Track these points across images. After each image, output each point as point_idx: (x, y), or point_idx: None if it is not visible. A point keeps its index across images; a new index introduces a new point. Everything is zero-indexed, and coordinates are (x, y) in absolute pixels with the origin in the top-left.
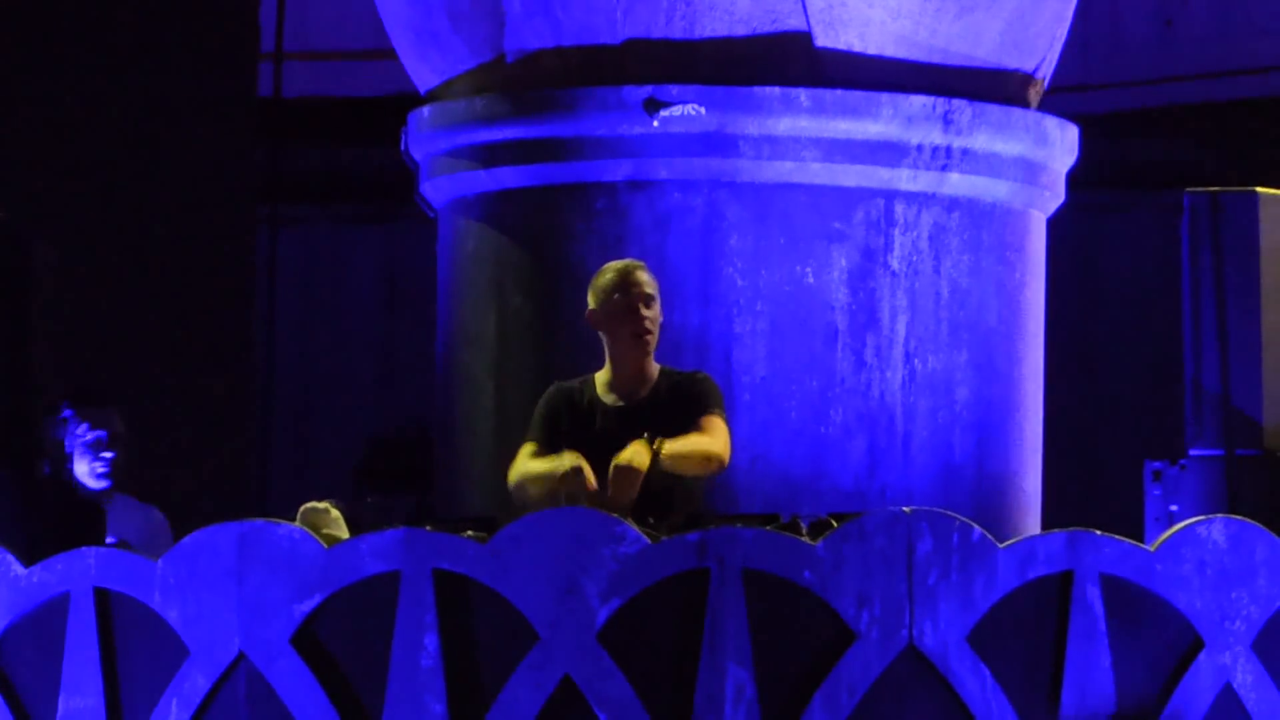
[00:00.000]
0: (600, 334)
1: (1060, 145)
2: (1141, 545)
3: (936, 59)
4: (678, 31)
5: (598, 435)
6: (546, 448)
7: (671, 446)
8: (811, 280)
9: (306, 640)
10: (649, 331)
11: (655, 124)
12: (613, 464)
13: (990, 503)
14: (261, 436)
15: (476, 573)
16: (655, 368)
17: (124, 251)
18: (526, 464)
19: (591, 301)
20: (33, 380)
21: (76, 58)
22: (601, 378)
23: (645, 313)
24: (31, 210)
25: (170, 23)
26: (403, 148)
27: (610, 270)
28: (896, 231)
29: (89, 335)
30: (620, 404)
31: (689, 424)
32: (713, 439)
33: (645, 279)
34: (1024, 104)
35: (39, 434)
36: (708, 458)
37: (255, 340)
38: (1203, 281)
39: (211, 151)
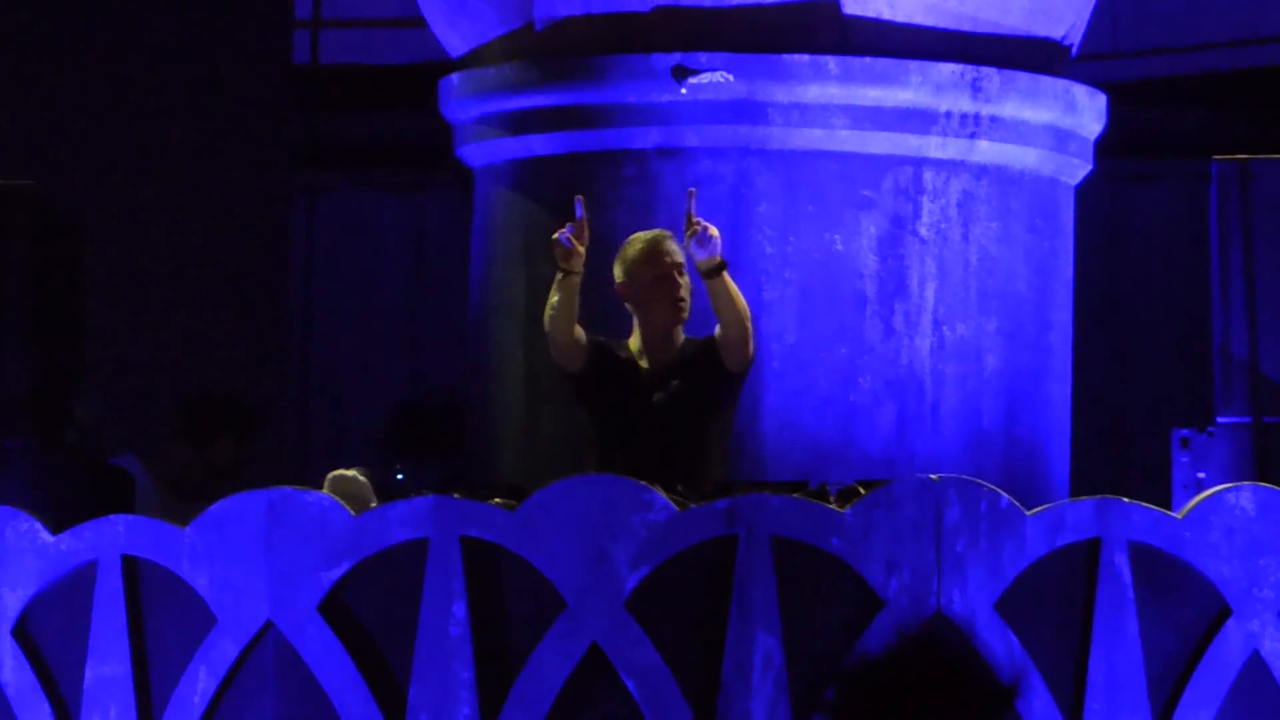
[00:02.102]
0: (629, 305)
1: (1089, 113)
2: (1169, 513)
3: (965, 26)
4: None
5: (633, 392)
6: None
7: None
8: (840, 247)
9: (334, 608)
10: (686, 300)
11: (684, 91)
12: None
13: (1019, 470)
14: (297, 404)
15: (505, 540)
16: (681, 336)
17: (160, 219)
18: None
19: (620, 273)
20: (62, 349)
21: (113, 27)
22: (633, 343)
23: (681, 281)
24: (67, 180)
25: None
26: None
27: (639, 241)
28: (925, 199)
29: (123, 304)
30: (649, 366)
31: (716, 384)
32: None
33: (675, 248)
34: (1053, 72)
35: (67, 402)
36: (746, 316)
37: (291, 307)
38: (1231, 249)
39: (248, 119)
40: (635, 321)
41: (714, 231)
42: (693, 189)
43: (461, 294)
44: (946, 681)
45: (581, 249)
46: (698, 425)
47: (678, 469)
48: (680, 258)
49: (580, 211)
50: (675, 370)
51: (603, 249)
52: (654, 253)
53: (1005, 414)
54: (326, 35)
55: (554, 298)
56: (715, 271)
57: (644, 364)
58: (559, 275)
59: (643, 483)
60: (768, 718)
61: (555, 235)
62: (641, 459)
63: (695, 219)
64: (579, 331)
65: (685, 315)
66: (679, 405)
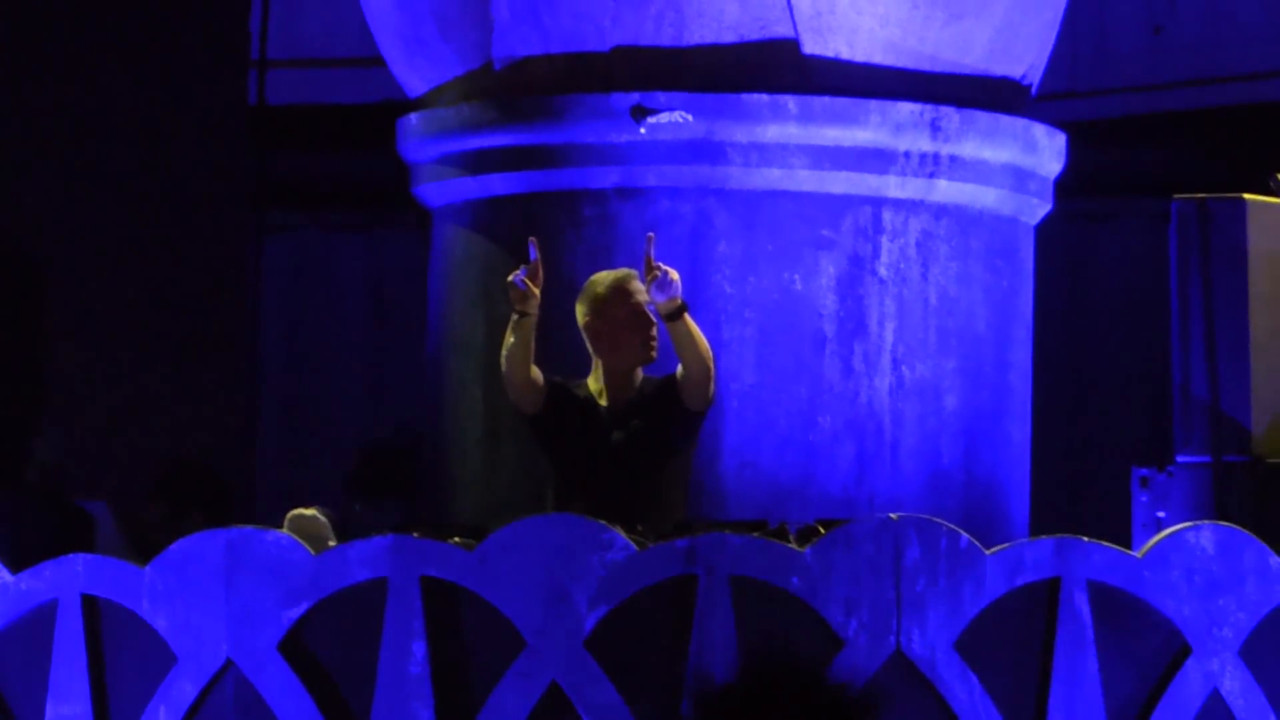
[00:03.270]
0: (593, 344)
1: (1048, 152)
2: (1129, 552)
3: (925, 66)
4: (666, 39)
5: (591, 430)
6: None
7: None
8: (800, 287)
9: (294, 647)
10: (656, 339)
11: (643, 131)
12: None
13: (978, 509)
14: (248, 443)
15: (464, 580)
16: (640, 375)
17: (113, 257)
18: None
19: (585, 312)
20: (20, 388)
21: (66, 63)
22: (592, 384)
23: (653, 335)
24: (23, 219)
25: (161, 29)
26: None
27: (609, 278)
28: (884, 239)
29: (80, 343)
30: (607, 405)
31: (676, 423)
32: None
33: (640, 288)
34: (1012, 111)
35: (27, 441)
36: (708, 356)
37: (245, 348)
38: (1191, 288)
39: (202, 158)
40: (596, 361)
41: (674, 275)
42: (651, 234)
43: (420, 333)
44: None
45: (536, 290)
46: (657, 465)
47: (637, 508)
48: (644, 298)
49: (534, 253)
50: (635, 409)
51: (561, 289)
52: (625, 291)
53: (964, 453)
54: (287, 75)
55: (509, 339)
56: (676, 314)
57: (603, 403)
58: (514, 317)
59: (602, 522)
60: None
61: (510, 277)
62: (601, 498)
63: (655, 263)
64: (535, 373)
65: (654, 356)
66: (638, 445)
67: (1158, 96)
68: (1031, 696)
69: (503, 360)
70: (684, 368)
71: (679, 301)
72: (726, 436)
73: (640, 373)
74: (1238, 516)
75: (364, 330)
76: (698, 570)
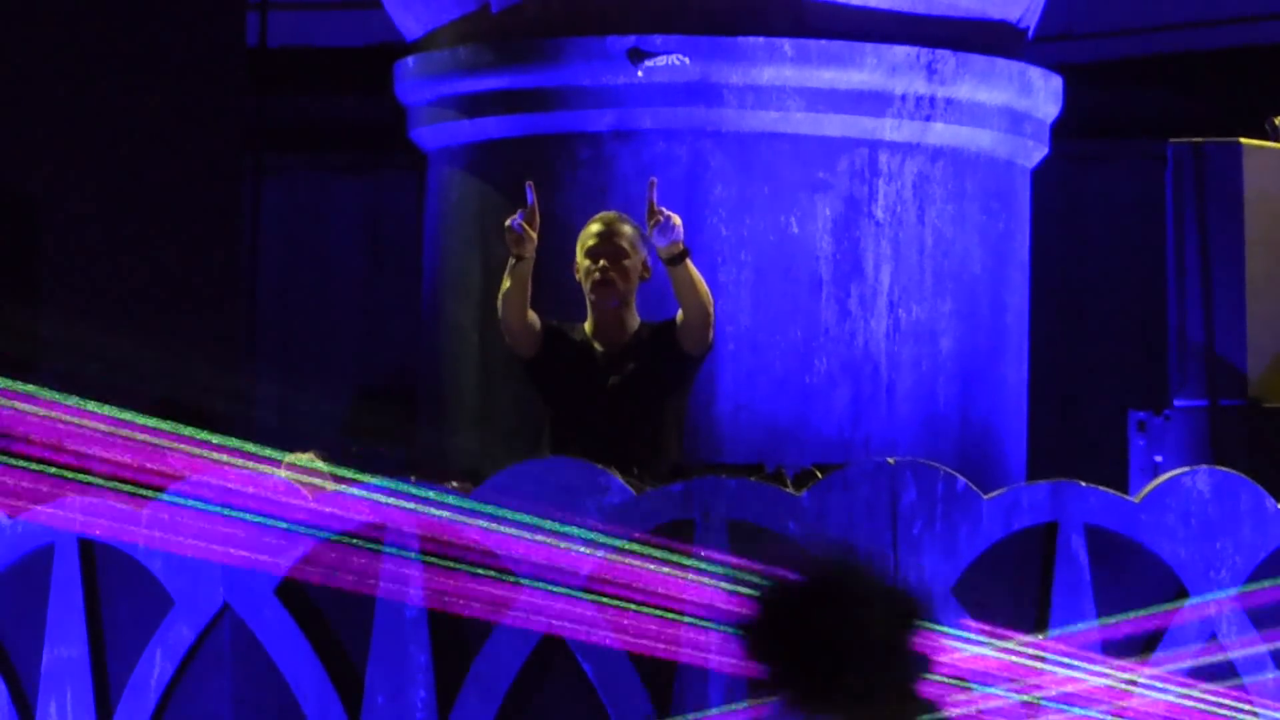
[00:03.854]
0: (583, 285)
1: (1044, 95)
2: (1126, 496)
3: (920, 9)
4: None
5: (586, 375)
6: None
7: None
8: (796, 230)
9: (291, 591)
10: (610, 282)
11: (639, 74)
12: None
13: (974, 452)
14: (249, 387)
15: None
16: (636, 320)
17: (109, 200)
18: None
19: (578, 255)
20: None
21: (64, 12)
22: (587, 326)
23: (602, 262)
24: (18, 163)
25: None
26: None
27: (591, 223)
28: (880, 181)
29: (76, 286)
30: (603, 350)
31: (672, 367)
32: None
33: (607, 230)
34: (1008, 54)
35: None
36: (708, 301)
37: (243, 290)
38: (1187, 232)
39: (199, 100)
40: (589, 304)
41: (676, 219)
42: (653, 179)
43: (416, 276)
44: (851, 607)
45: (533, 234)
46: (652, 408)
47: (632, 452)
48: (624, 241)
49: (531, 197)
50: (630, 353)
51: (558, 231)
52: (594, 243)
53: (961, 396)
54: (282, 17)
55: (506, 284)
56: (678, 259)
57: (598, 347)
58: (510, 261)
59: (599, 466)
60: (724, 699)
61: (507, 221)
62: (596, 442)
63: (657, 208)
64: (532, 317)
65: (614, 295)
66: (633, 388)
67: (1154, 39)
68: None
69: (499, 305)
70: (683, 313)
71: (680, 246)
72: (722, 379)
73: (635, 317)
74: (1234, 460)
75: (360, 273)
76: (694, 514)
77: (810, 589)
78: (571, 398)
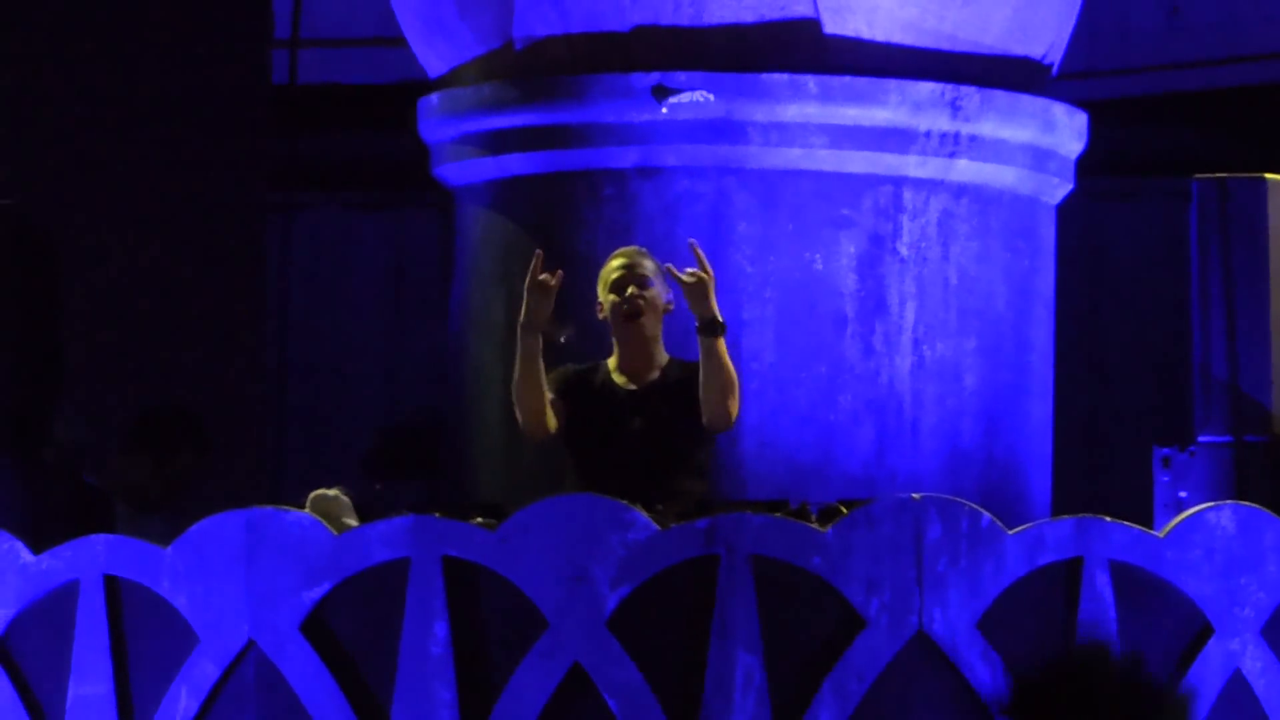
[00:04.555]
0: (608, 322)
1: (1068, 132)
2: (1150, 531)
3: (944, 45)
4: (686, 18)
5: (610, 416)
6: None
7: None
8: (820, 267)
9: (316, 627)
10: (640, 311)
11: (663, 111)
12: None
13: (998, 489)
14: (274, 424)
15: (486, 560)
16: (664, 355)
17: (134, 237)
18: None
19: (599, 292)
20: (41, 367)
21: (89, 44)
22: (612, 363)
23: (632, 291)
24: (45, 198)
25: (185, 8)
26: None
27: (612, 258)
28: (905, 218)
29: (101, 323)
30: (631, 387)
31: (696, 408)
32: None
33: (630, 262)
34: (1032, 90)
35: (48, 421)
36: (734, 383)
37: (267, 327)
38: (1211, 267)
39: (224, 138)
40: (614, 341)
41: (708, 279)
42: (693, 240)
43: (440, 313)
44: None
45: (553, 293)
46: (678, 453)
47: (657, 498)
48: (642, 270)
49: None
50: (656, 393)
51: (581, 268)
52: (611, 264)
53: (985, 433)
54: (307, 54)
55: (518, 371)
56: (708, 329)
57: (622, 379)
58: (520, 337)
59: (623, 502)
60: None
61: (528, 281)
62: (620, 488)
63: (689, 271)
64: (548, 396)
65: (645, 330)
66: (658, 433)
67: (1176, 76)
68: None
69: (515, 399)
70: (704, 391)
71: (712, 315)
72: (747, 416)
73: (663, 353)
74: (1259, 496)
75: (383, 310)
76: (719, 550)
77: (1068, 674)
78: (593, 442)
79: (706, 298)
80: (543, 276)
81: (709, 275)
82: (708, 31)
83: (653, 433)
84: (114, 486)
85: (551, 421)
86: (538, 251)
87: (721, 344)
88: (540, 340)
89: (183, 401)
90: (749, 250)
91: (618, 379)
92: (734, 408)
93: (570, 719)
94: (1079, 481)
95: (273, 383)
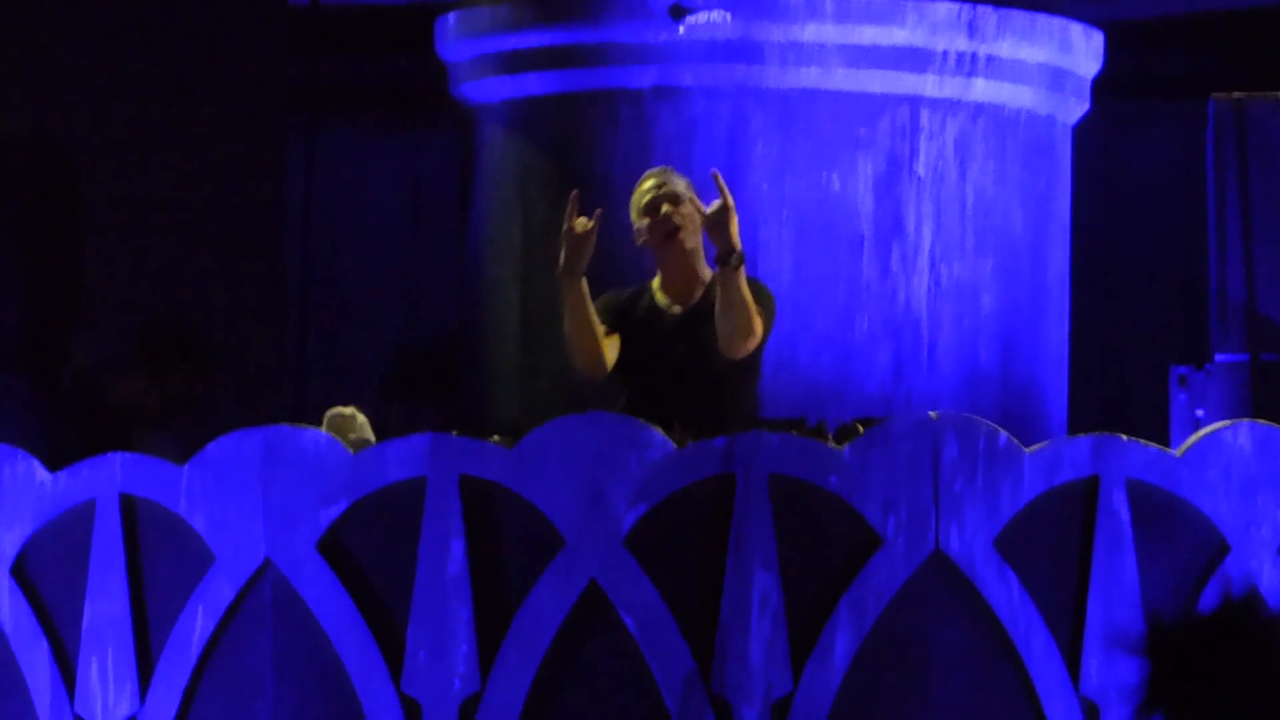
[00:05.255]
0: (647, 245)
1: (1085, 52)
2: (1168, 450)
3: None
4: None
5: (657, 338)
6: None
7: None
8: (837, 188)
9: (332, 546)
10: (677, 228)
11: (681, 30)
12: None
13: (1015, 408)
14: (294, 345)
15: (503, 478)
16: (707, 271)
17: (156, 161)
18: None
19: (633, 217)
20: (58, 290)
21: None
22: (655, 283)
23: (667, 210)
24: (63, 121)
25: None
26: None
27: (643, 180)
28: (922, 138)
29: (119, 246)
30: (676, 308)
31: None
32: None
33: (660, 180)
34: (1049, 10)
35: (64, 343)
36: (750, 318)
37: (288, 248)
38: (1227, 187)
39: (244, 62)
40: (659, 261)
41: (731, 215)
42: (716, 170)
43: (456, 235)
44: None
45: (591, 239)
46: (724, 377)
47: (708, 420)
48: (672, 187)
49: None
50: (703, 315)
51: (598, 188)
52: (641, 187)
53: (1002, 353)
54: None
55: (567, 319)
56: (727, 260)
57: (667, 300)
58: (564, 293)
59: (640, 420)
60: (765, 655)
61: (564, 226)
62: (667, 412)
63: (713, 205)
64: (602, 333)
65: (686, 245)
66: (704, 357)
67: None
68: (1070, 595)
69: (569, 345)
70: (719, 323)
71: (732, 247)
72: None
73: (706, 269)
74: (1275, 414)
75: (401, 232)
76: (735, 469)
77: (1223, 632)
78: (640, 368)
79: (727, 228)
80: (579, 220)
81: (730, 206)
82: None
83: (697, 357)
84: (119, 404)
85: (610, 357)
86: (573, 194)
87: (741, 276)
88: (584, 283)
89: (192, 321)
90: (766, 171)
91: (661, 300)
92: (748, 343)
93: (587, 637)
94: (1096, 401)
95: (293, 304)
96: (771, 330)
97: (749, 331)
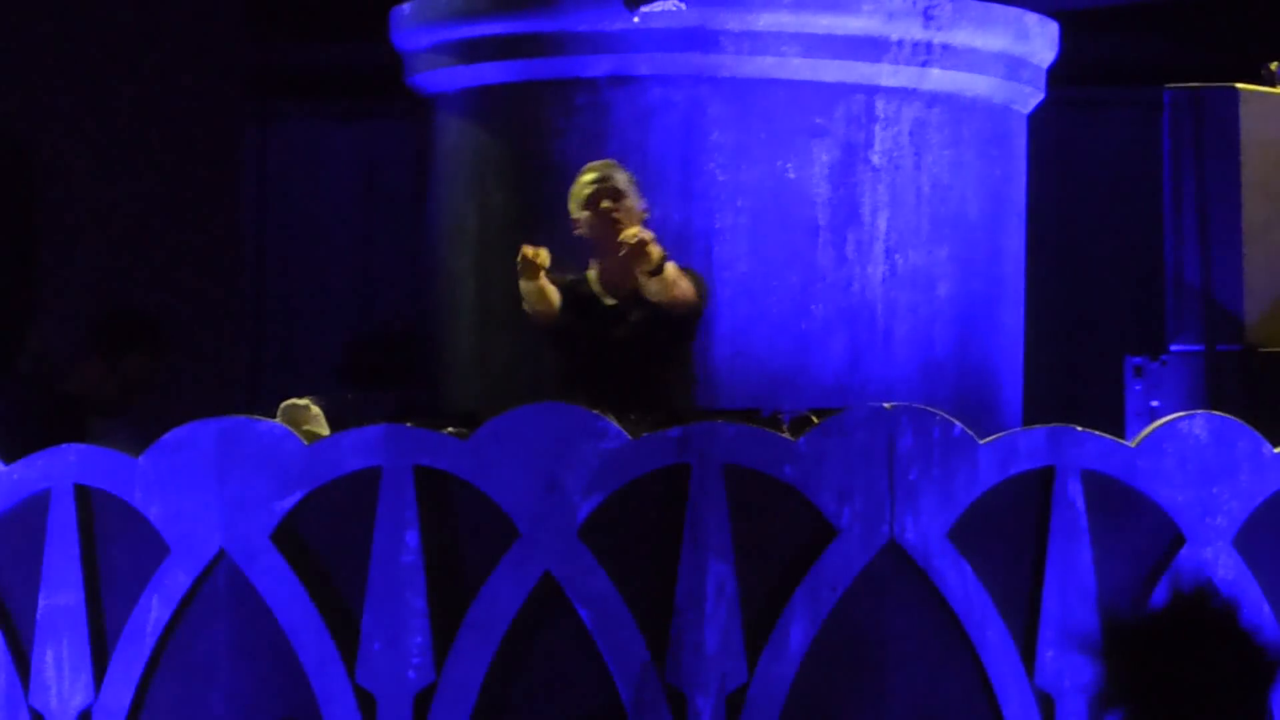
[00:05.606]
0: (584, 237)
1: (1040, 40)
2: (1123, 441)
3: None
4: None
5: (591, 330)
6: None
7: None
8: (793, 175)
9: (287, 537)
10: (612, 222)
11: (636, 19)
12: (630, 232)
13: (971, 398)
14: (249, 334)
15: (457, 468)
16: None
17: (111, 150)
18: None
19: (571, 208)
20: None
21: None
22: (591, 275)
23: (605, 204)
24: (17, 107)
25: None
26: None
27: (584, 173)
28: (877, 127)
29: (75, 233)
30: (610, 300)
31: (675, 316)
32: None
33: (618, 176)
34: (1004, 0)
35: (20, 332)
36: (686, 298)
37: (243, 236)
38: (1184, 177)
39: (199, 49)
40: (593, 254)
41: (650, 243)
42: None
43: (411, 222)
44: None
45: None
46: (659, 360)
47: (639, 401)
48: (625, 184)
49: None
50: (637, 302)
51: (554, 178)
52: (590, 191)
53: (958, 341)
54: None
55: (526, 296)
56: (659, 270)
57: (606, 297)
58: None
59: (595, 411)
60: (721, 645)
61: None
62: (604, 394)
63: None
64: (554, 293)
65: (619, 240)
66: (640, 342)
67: None
68: (1026, 586)
69: (527, 307)
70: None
71: (657, 265)
72: (719, 325)
73: None
74: (1231, 405)
75: (356, 220)
76: (690, 459)
77: (1178, 625)
78: (577, 351)
79: (648, 258)
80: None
81: (648, 239)
82: None
83: (634, 343)
84: (75, 392)
85: (555, 298)
86: (522, 251)
87: (670, 271)
88: (554, 295)
89: (148, 309)
90: (722, 159)
91: (598, 290)
92: (694, 309)
93: (541, 628)
94: (1051, 391)
95: (248, 292)
96: (707, 295)
97: (687, 302)
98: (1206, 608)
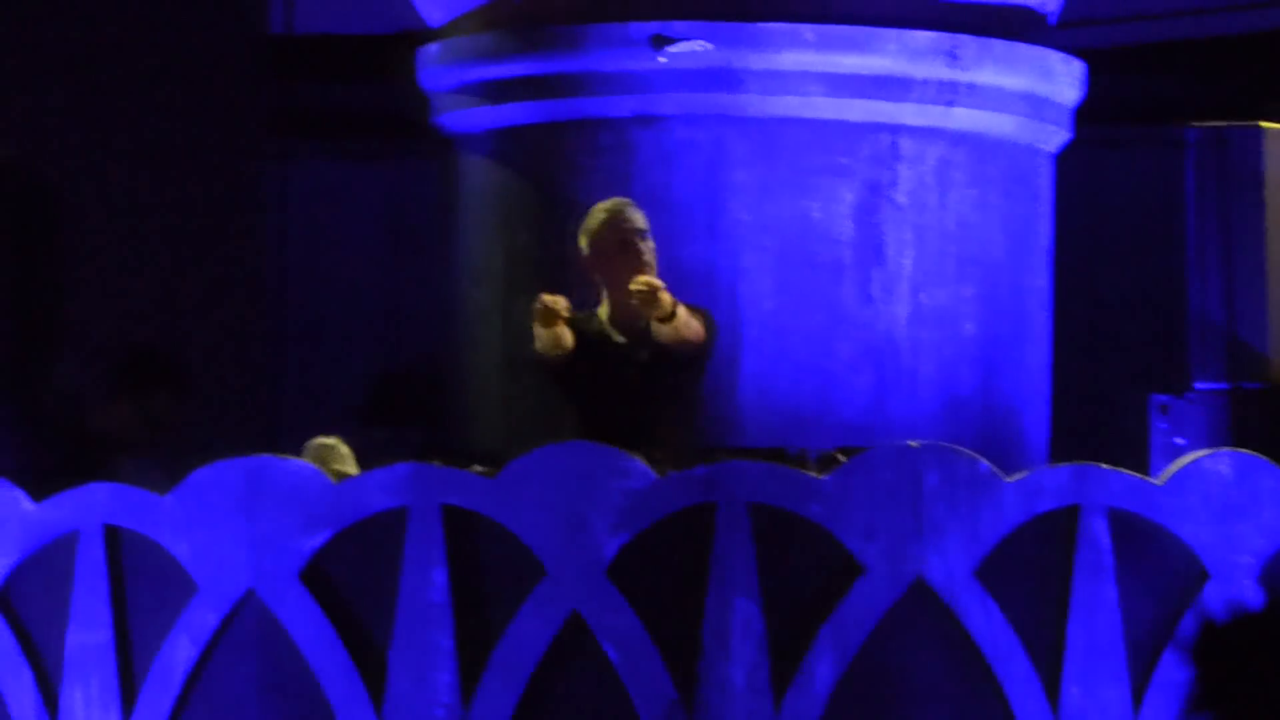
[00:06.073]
0: (596, 276)
1: (1066, 80)
2: (1148, 479)
3: None
4: None
5: (603, 368)
6: None
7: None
8: (817, 215)
9: (315, 575)
10: (648, 265)
11: (661, 60)
12: (641, 280)
13: (996, 436)
14: (273, 373)
15: (484, 507)
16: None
17: (136, 188)
18: None
19: (584, 245)
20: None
21: None
22: (602, 313)
23: (643, 248)
24: (43, 148)
25: None
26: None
27: (600, 211)
28: (902, 166)
29: (99, 272)
30: (621, 339)
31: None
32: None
33: (637, 215)
34: (1030, 39)
35: (47, 370)
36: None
37: (266, 276)
38: (1207, 216)
39: (222, 89)
40: (604, 292)
41: (660, 290)
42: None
43: (437, 261)
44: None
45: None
46: (669, 399)
47: (651, 438)
48: (643, 224)
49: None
50: (646, 341)
51: (579, 216)
52: (615, 222)
53: (982, 380)
54: (307, 3)
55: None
56: (670, 317)
57: (616, 336)
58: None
59: (621, 450)
60: (747, 684)
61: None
62: (615, 432)
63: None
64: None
65: (645, 298)
66: (649, 382)
67: (1175, 24)
68: (1051, 624)
69: (541, 344)
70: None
71: (669, 312)
72: (745, 364)
73: None
74: (1255, 443)
75: (380, 260)
76: (717, 498)
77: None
78: (590, 390)
79: (658, 303)
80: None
81: (658, 286)
82: None
83: (644, 383)
84: (100, 431)
85: (569, 344)
86: (540, 299)
87: (681, 314)
88: (569, 341)
89: (173, 347)
90: (746, 198)
91: (608, 328)
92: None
93: (569, 667)
94: (1076, 429)
95: (272, 332)
96: (717, 333)
97: (697, 343)
98: None
